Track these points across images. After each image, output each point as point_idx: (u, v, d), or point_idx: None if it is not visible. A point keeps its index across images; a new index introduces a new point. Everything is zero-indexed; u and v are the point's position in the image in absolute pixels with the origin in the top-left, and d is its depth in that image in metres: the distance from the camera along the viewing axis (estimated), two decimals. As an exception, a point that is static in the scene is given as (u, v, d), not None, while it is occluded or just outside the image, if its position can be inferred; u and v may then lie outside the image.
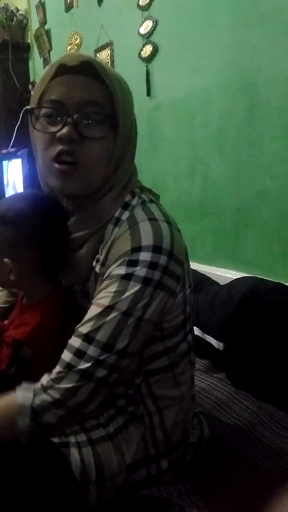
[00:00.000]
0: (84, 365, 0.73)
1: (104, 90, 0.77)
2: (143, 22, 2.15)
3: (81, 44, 2.77)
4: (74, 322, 0.83)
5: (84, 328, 0.76)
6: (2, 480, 0.73)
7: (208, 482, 0.93)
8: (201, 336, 1.46)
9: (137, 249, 0.75)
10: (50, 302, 0.89)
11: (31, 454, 0.77)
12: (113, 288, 0.75)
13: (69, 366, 0.74)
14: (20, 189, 2.79)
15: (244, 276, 1.61)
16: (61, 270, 0.92)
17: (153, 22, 2.09)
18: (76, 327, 0.77)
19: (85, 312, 0.84)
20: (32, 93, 0.83)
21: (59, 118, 0.78)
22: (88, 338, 0.74)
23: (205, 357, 1.47)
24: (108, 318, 0.74)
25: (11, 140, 3.34)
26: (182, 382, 0.90)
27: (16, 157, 2.82)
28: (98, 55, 2.54)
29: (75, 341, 0.75)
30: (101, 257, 0.82)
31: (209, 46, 1.80)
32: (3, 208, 0.88)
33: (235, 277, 1.61)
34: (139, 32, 2.17)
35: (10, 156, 2.95)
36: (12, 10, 3.45)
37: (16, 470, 0.74)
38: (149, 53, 2.12)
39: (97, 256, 0.84)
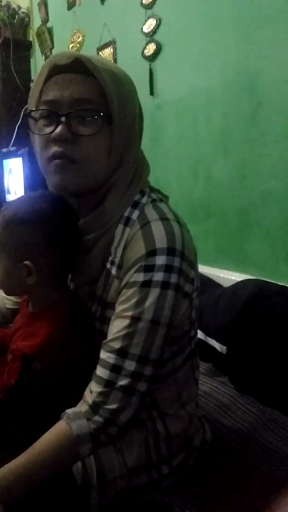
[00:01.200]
0: (124, 381, 0.73)
1: (97, 85, 0.76)
2: (146, 20, 2.13)
3: (83, 42, 2.76)
4: (83, 328, 0.82)
5: (115, 343, 0.74)
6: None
7: (211, 486, 0.93)
8: (204, 339, 1.45)
9: (152, 252, 0.74)
10: (59, 311, 0.86)
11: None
12: (135, 297, 0.74)
13: (109, 384, 0.73)
14: (20, 188, 2.78)
15: (247, 278, 1.59)
16: (71, 273, 0.90)
17: (156, 21, 2.08)
18: (105, 341, 0.76)
19: (92, 314, 0.83)
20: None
21: (53, 119, 0.77)
22: (121, 352, 0.73)
23: (208, 361, 1.46)
24: (138, 329, 0.73)
25: (11, 139, 3.33)
26: (184, 387, 0.89)
27: (17, 156, 2.81)
28: (100, 53, 2.52)
29: (109, 357, 0.74)
30: (116, 259, 0.81)
31: (213, 45, 1.79)
32: (22, 209, 0.83)
33: (238, 279, 1.60)
34: (142, 30, 2.15)
35: (10, 155, 2.94)
36: (14, 7, 3.44)
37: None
38: (152, 51, 2.11)
39: (110, 258, 0.82)
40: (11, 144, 3.27)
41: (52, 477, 0.72)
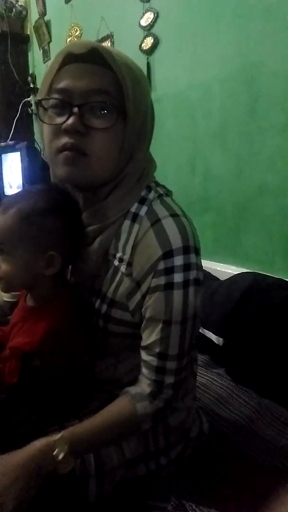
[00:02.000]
0: (170, 379, 0.79)
1: (113, 78, 0.74)
2: (144, 14, 2.12)
3: (81, 36, 2.75)
4: (82, 321, 0.82)
5: (155, 347, 0.78)
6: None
7: (207, 477, 0.93)
8: (201, 331, 1.46)
9: (169, 254, 0.75)
10: (58, 305, 0.84)
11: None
12: (161, 301, 0.76)
13: (158, 384, 0.79)
14: (19, 182, 2.78)
15: (244, 271, 1.60)
16: (72, 265, 0.89)
17: (154, 14, 2.07)
18: (145, 344, 0.80)
19: (91, 309, 0.84)
20: (40, 84, 0.81)
21: (65, 109, 0.74)
22: (162, 355, 0.78)
23: (205, 353, 1.47)
24: (171, 332, 0.77)
25: (10, 133, 3.33)
26: (183, 381, 0.90)
27: (15, 150, 2.80)
28: (98, 47, 2.51)
29: (152, 360, 0.79)
30: (126, 257, 0.80)
31: (211, 38, 1.78)
32: (40, 200, 0.81)
33: (235, 273, 1.61)
34: (140, 24, 2.14)
35: (9, 149, 2.93)
36: (11, 1, 3.42)
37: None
38: (150, 45, 2.11)
39: (118, 255, 0.81)
40: (9, 138, 3.27)
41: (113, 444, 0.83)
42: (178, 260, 0.75)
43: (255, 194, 1.66)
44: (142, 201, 0.81)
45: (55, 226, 0.81)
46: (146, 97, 0.80)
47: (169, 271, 0.75)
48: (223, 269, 1.78)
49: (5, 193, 2.97)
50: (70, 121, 0.73)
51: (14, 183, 2.89)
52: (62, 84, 0.75)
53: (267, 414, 1.16)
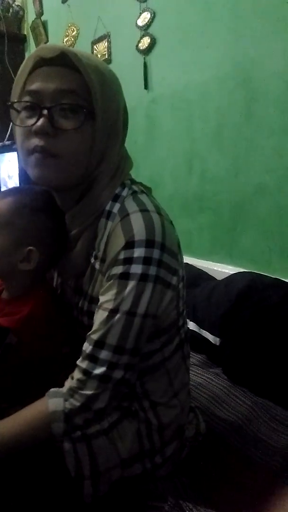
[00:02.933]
0: (100, 370, 0.75)
1: (81, 80, 0.76)
2: (140, 14, 2.12)
3: (78, 36, 2.74)
4: (63, 316, 0.83)
5: (94, 335, 0.77)
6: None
7: (204, 477, 0.93)
8: (197, 331, 1.46)
9: (130, 245, 0.74)
10: (35, 298, 0.86)
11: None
12: (114, 289, 0.75)
13: (86, 372, 0.76)
14: (16, 182, 2.77)
15: (241, 271, 1.60)
16: (57, 266, 0.91)
17: (151, 14, 2.07)
18: (88, 333, 0.78)
19: (75, 307, 0.85)
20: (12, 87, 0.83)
21: (35, 111, 0.77)
22: (99, 343, 0.76)
23: (202, 352, 1.47)
24: (115, 320, 0.75)
25: (6, 133, 3.32)
26: (176, 376, 0.90)
27: (12, 150, 2.80)
28: (95, 47, 2.51)
29: (87, 348, 0.77)
30: (100, 254, 0.81)
31: (207, 39, 1.79)
32: (39, 198, 0.84)
33: (232, 272, 1.61)
34: (136, 24, 2.14)
35: (5, 149, 2.92)
36: (8, 1, 3.41)
37: (9, 464, 0.74)
38: (146, 45, 2.11)
39: (94, 253, 0.82)
40: (6, 138, 3.26)
41: (29, 448, 0.77)
42: (138, 252, 0.74)
43: (252, 194, 1.67)
44: (116, 199, 0.82)
45: (43, 226, 0.83)
46: (117, 97, 0.81)
47: (127, 261, 0.74)
48: (220, 269, 1.79)
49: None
50: (40, 123, 0.75)
51: (10, 183, 2.88)
52: (32, 87, 0.77)
53: (264, 414, 1.16)
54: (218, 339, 1.39)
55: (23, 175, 2.67)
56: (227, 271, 1.72)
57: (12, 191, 0.86)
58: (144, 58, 2.14)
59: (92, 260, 0.83)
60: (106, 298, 0.76)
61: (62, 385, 0.79)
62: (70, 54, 0.75)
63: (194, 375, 1.32)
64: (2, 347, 0.80)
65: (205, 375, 1.34)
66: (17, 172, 2.74)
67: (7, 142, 3.00)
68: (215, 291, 1.48)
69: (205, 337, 1.42)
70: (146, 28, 2.11)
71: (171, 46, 2.00)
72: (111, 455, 0.82)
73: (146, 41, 2.11)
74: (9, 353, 0.80)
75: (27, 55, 3.57)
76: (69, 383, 0.78)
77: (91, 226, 0.82)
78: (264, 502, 0.88)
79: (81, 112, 0.76)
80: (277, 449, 1.03)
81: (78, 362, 0.78)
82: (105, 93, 0.78)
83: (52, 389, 0.78)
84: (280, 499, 0.89)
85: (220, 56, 1.74)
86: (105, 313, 0.76)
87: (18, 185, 2.72)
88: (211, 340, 1.41)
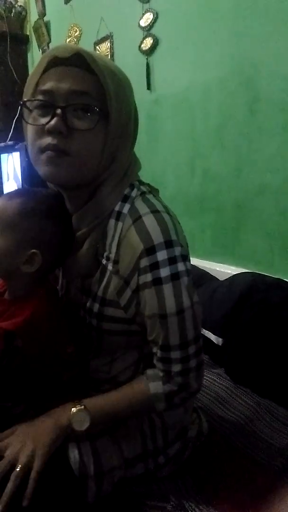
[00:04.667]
0: (177, 368, 0.81)
1: (95, 81, 0.76)
2: (143, 14, 2.13)
3: (80, 36, 2.75)
4: (64, 318, 0.84)
5: (157, 340, 0.80)
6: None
7: (207, 477, 0.94)
8: (200, 331, 1.46)
9: (151, 250, 0.76)
10: (38, 299, 0.85)
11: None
12: (153, 297, 0.78)
13: (167, 373, 0.82)
14: (18, 182, 2.78)
15: (243, 271, 1.60)
16: (63, 266, 0.91)
17: (153, 15, 2.07)
18: (150, 338, 0.82)
19: (83, 308, 0.85)
20: (25, 86, 0.82)
21: (48, 110, 0.77)
22: (164, 347, 0.80)
23: (204, 353, 1.46)
24: (168, 324, 0.79)
25: (9, 133, 3.32)
26: None
27: (15, 150, 2.80)
28: (97, 47, 2.52)
29: (156, 352, 0.82)
30: (112, 255, 0.81)
31: (210, 39, 1.79)
32: (47, 202, 0.84)
33: (234, 273, 1.61)
34: (139, 24, 2.15)
35: (8, 149, 2.93)
36: (10, 1, 3.42)
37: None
38: (149, 46, 2.11)
39: (106, 254, 0.82)
40: (9, 138, 3.26)
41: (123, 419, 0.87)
42: (162, 255, 0.76)
43: (254, 194, 1.67)
44: (125, 199, 0.83)
45: (48, 230, 0.83)
46: (129, 99, 0.82)
47: (154, 267, 0.76)
48: (222, 269, 1.79)
49: (4, 193, 2.96)
50: (53, 122, 0.75)
51: (13, 184, 2.89)
52: (46, 86, 0.77)
53: (266, 414, 1.16)
54: (220, 339, 1.39)
55: (25, 174, 2.67)
56: (229, 271, 1.72)
57: (19, 193, 0.86)
58: (147, 59, 2.14)
59: (104, 262, 0.83)
60: (150, 307, 0.79)
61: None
62: (86, 55, 0.75)
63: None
64: (10, 352, 0.80)
65: (208, 375, 1.35)
66: (20, 172, 2.74)
67: (9, 142, 3.00)
68: (218, 292, 1.49)
69: (207, 338, 1.42)
70: (148, 28, 2.11)
71: (173, 46, 2.00)
72: (115, 455, 0.83)
73: (148, 42, 2.11)
74: (17, 355, 0.81)
75: (29, 55, 3.57)
76: (160, 372, 0.83)
77: (99, 226, 0.82)
78: (267, 502, 0.88)
79: (95, 112, 0.76)
80: (279, 449, 1.03)
81: (155, 361, 0.83)
82: (119, 96, 0.78)
83: (149, 372, 0.84)
84: (283, 499, 0.89)
85: (222, 57, 1.74)
86: (157, 319, 0.79)
87: (20, 185, 2.73)
88: (213, 341, 1.41)
